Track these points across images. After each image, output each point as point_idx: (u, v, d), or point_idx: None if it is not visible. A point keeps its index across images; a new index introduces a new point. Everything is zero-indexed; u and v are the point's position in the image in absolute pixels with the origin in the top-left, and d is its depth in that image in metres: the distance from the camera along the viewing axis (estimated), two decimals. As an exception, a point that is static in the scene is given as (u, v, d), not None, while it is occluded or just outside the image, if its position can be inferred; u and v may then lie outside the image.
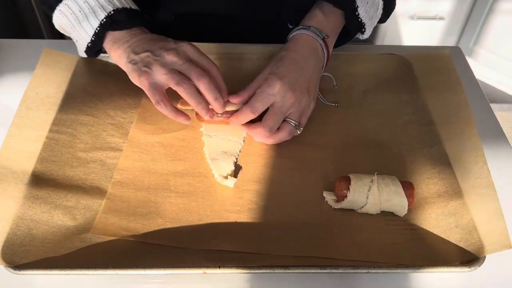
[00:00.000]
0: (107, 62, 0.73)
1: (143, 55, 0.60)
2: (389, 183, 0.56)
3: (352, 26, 0.69)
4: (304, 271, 0.51)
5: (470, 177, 0.59)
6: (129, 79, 0.62)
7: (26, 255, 0.52)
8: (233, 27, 0.78)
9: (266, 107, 0.60)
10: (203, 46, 0.76)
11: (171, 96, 0.60)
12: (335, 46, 0.71)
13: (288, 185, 0.60)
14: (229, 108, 0.62)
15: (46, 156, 0.61)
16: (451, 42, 1.89)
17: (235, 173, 0.61)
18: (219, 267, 0.51)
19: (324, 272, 0.52)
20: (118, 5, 0.63)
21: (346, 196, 0.56)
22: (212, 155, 0.62)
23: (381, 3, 0.70)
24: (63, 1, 0.64)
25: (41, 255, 0.52)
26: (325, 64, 0.67)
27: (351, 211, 0.57)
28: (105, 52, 0.67)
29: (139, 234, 0.54)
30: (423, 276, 0.54)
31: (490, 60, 1.87)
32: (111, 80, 0.71)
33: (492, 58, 1.86)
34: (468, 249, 0.53)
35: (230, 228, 0.55)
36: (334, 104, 0.69)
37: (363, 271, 0.52)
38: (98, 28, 0.63)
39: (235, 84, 0.64)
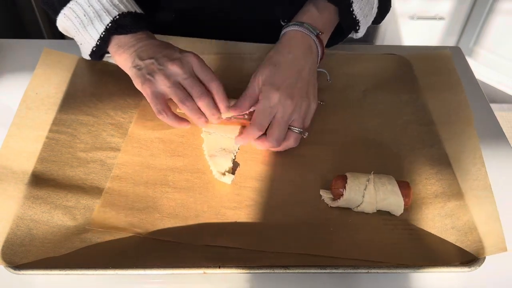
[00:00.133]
0: (107, 62, 0.73)
1: (148, 61, 0.60)
2: (385, 182, 0.56)
3: (346, 24, 0.68)
4: (304, 271, 0.51)
5: (468, 179, 0.59)
6: (129, 79, 0.62)
7: (26, 255, 0.52)
8: (233, 27, 0.78)
9: (270, 120, 0.60)
10: (204, 42, 0.76)
11: (170, 99, 0.60)
12: (329, 45, 0.70)
13: (286, 183, 0.60)
14: (228, 115, 0.62)
15: (46, 156, 0.61)
16: (451, 42, 1.89)
17: (233, 170, 0.61)
18: (219, 267, 0.51)
19: (324, 272, 0.52)
20: (123, 9, 0.63)
21: (342, 195, 0.56)
22: (210, 152, 0.62)
23: (376, 2, 0.69)
24: (67, 5, 0.63)
25: (41, 255, 0.52)
26: (319, 60, 0.67)
27: (347, 209, 0.57)
28: (108, 52, 0.67)
29: (136, 228, 0.55)
30: (423, 276, 0.54)
31: (490, 60, 1.87)
32: (111, 80, 0.71)
33: (492, 58, 1.86)
34: (465, 251, 0.53)
35: (227, 225, 0.56)
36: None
37: (363, 271, 0.52)
38: (103, 33, 0.62)
39: (235, 83, 0.64)
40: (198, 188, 0.59)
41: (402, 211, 0.56)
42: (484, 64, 1.88)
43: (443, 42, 1.88)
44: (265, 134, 0.61)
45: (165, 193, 0.58)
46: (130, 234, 0.54)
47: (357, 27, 0.68)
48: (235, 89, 0.63)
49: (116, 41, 0.64)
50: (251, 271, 0.51)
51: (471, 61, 0.86)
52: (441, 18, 1.80)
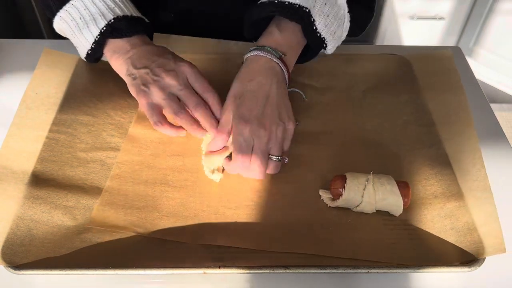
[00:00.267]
0: (107, 61, 0.73)
1: (142, 71, 0.60)
2: (384, 182, 0.56)
3: (312, 42, 0.64)
4: (304, 271, 0.51)
5: (468, 180, 0.59)
6: None
7: (26, 255, 0.52)
8: (233, 27, 0.78)
9: (250, 153, 0.57)
10: (204, 42, 0.76)
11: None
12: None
13: (285, 183, 0.60)
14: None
15: (46, 156, 0.61)
16: (451, 42, 1.89)
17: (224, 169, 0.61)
18: (219, 267, 0.51)
19: (324, 272, 0.52)
20: (119, 12, 0.62)
21: (341, 195, 0.56)
22: (207, 150, 0.62)
23: (347, 16, 0.65)
24: (64, 7, 0.63)
25: (41, 255, 0.52)
26: (287, 81, 0.63)
27: (346, 209, 0.57)
28: (102, 56, 0.67)
29: (135, 227, 0.55)
30: (423, 276, 0.54)
31: (490, 60, 1.87)
32: (111, 80, 0.71)
33: (492, 58, 1.86)
34: (464, 251, 0.53)
35: (226, 224, 0.56)
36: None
37: (363, 271, 0.52)
38: (98, 36, 0.62)
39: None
40: (197, 188, 0.59)
41: (401, 211, 0.56)
42: (484, 64, 1.88)
43: (443, 42, 1.88)
44: None
45: (164, 192, 0.59)
46: (130, 234, 0.54)
47: (324, 45, 0.65)
48: None
49: (112, 45, 0.63)
50: (251, 271, 0.51)
51: (471, 61, 0.86)
52: (441, 18, 1.80)
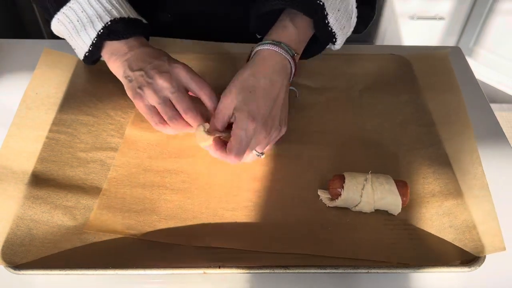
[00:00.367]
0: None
1: (137, 73, 0.59)
2: (383, 182, 0.56)
3: (322, 36, 0.64)
4: (304, 271, 0.51)
5: (465, 178, 0.60)
6: None
7: (26, 255, 0.52)
8: (232, 28, 0.78)
9: (246, 148, 0.56)
10: (202, 44, 0.76)
11: None
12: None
13: (284, 184, 0.60)
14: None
15: (46, 156, 0.61)
16: (451, 42, 1.89)
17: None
18: (219, 267, 0.51)
19: (324, 272, 0.52)
20: (116, 15, 0.62)
21: (340, 195, 0.56)
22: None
23: (354, 11, 0.65)
24: (61, 10, 0.63)
25: (41, 255, 0.52)
26: (291, 79, 0.63)
27: (345, 209, 0.57)
28: (100, 57, 0.67)
29: (133, 231, 0.54)
30: (423, 276, 0.54)
31: (490, 60, 1.87)
32: (111, 80, 0.71)
33: (492, 58, 1.86)
34: (462, 249, 0.53)
35: (225, 226, 0.56)
36: (296, 95, 0.64)
37: (363, 271, 0.52)
38: (95, 39, 0.62)
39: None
40: (195, 190, 0.59)
41: (400, 210, 0.56)
42: (484, 64, 1.88)
43: (443, 42, 1.88)
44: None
45: (162, 195, 0.58)
46: (127, 236, 0.54)
47: (334, 39, 0.65)
48: None
49: (109, 47, 0.63)
50: (251, 271, 0.51)
51: (471, 61, 0.86)
52: (441, 18, 1.80)
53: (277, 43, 0.60)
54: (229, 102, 0.57)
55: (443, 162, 0.62)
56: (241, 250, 0.53)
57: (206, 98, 0.59)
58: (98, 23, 0.61)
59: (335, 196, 0.57)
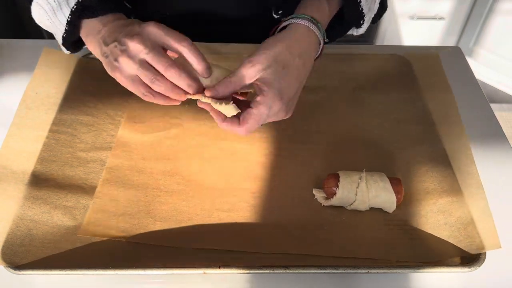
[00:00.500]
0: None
1: (111, 45, 0.54)
2: (377, 180, 0.57)
3: (351, 17, 0.62)
4: (304, 271, 0.51)
5: (459, 176, 0.60)
6: None
7: (26, 255, 0.52)
8: (230, 28, 0.78)
9: (263, 122, 0.54)
10: (202, 45, 0.76)
11: None
12: (330, 40, 0.65)
13: (279, 183, 0.60)
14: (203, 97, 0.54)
15: (46, 156, 0.61)
16: (451, 42, 1.89)
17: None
18: (219, 267, 0.51)
19: (324, 272, 0.52)
20: None
21: (335, 193, 0.56)
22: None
23: None
24: None
25: (41, 255, 0.52)
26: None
27: (340, 208, 0.58)
28: (82, 43, 0.63)
29: (128, 234, 0.54)
30: (423, 276, 0.54)
31: (490, 60, 1.87)
32: (111, 80, 0.71)
33: (492, 58, 1.86)
34: (457, 246, 0.54)
35: (221, 227, 0.56)
36: None
37: (363, 271, 0.52)
38: (70, 16, 0.57)
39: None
40: (190, 191, 0.59)
41: (394, 207, 0.57)
42: (484, 64, 1.88)
43: (443, 42, 1.88)
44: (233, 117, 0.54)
45: (156, 197, 0.58)
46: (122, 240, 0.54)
47: (362, 21, 0.63)
48: None
49: (85, 27, 0.59)
50: (251, 271, 0.51)
51: (471, 61, 0.86)
52: (441, 18, 1.80)
53: (315, 22, 0.56)
54: (253, 71, 0.52)
55: (438, 160, 0.62)
56: (239, 250, 0.53)
57: (188, 53, 0.52)
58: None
59: (330, 195, 0.57)
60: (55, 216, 0.55)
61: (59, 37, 0.61)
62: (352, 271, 0.52)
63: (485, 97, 0.75)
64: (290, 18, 0.57)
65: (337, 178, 0.57)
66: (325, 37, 0.58)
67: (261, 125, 0.54)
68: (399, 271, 0.53)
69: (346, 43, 0.74)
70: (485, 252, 0.53)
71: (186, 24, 0.78)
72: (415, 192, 0.59)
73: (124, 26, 0.55)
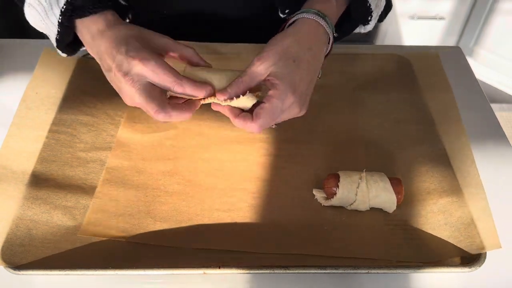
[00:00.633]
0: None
1: (110, 74, 0.54)
2: (377, 180, 0.56)
3: (358, 13, 0.61)
4: (304, 271, 0.51)
5: (459, 176, 0.60)
6: None
7: (26, 256, 0.52)
8: (230, 28, 0.78)
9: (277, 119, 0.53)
10: (202, 45, 0.76)
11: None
12: (339, 37, 0.65)
13: (279, 183, 0.60)
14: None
15: (46, 156, 0.61)
16: (451, 42, 1.89)
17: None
18: (219, 267, 0.51)
19: (324, 272, 0.52)
20: None
21: (335, 194, 0.56)
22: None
23: None
24: None
25: (41, 255, 0.52)
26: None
27: (340, 208, 0.58)
28: (81, 44, 0.60)
29: (128, 235, 0.54)
30: (423, 276, 0.54)
31: (490, 60, 1.87)
32: (111, 80, 0.71)
33: (492, 58, 1.86)
34: (457, 246, 0.54)
35: (221, 227, 0.56)
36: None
37: (363, 271, 0.52)
38: (60, 17, 0.54)
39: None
40: (190, 191, 0.59)
41: (394, 207, 0.57)
42: (484, 64, 1.88)
43: (443, 42, 1.88)
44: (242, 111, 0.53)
45: (156, 197, 0.58)
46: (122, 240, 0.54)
47: (369, 18, 0.62)
48: None
49: (79, 31, 0.56)
50: (251, 271, 0.51)
51: (471, 61, 0.86)
52: (441, 18, 1.80)
53: (323, 16, 0.56)
54: (264, 67, 0.51)
55: (438, 160, 0.62)
56: (239, 250, 0.53)
57: (186, 54, 0.53)
58: None
59: (330, 195, 0.57)
60: (55, 216, 0.55)
61: (52, 39, 0.59)
62: (352, 271, 0.52)
63: (485, 97, 0.75)
64: (297, 14, 0.56)
65: (337, 178, 0.57)
66: (334, 32, 0.57)
67: (275, 125, 0.54)
68: (399, 271, 0.52)
69: (346, 43, 0.74)
70: (485, 252, 0.53)
71: (186, 24, 0.79)
72: (415, 192, 0.59)
73: (112, 47, 0.52)
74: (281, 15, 0.65)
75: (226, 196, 0.59)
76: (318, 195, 0.58)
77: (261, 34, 0.70)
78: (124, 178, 0.60)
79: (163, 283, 0.53)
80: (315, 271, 0.51)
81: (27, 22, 0.60)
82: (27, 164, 0.60)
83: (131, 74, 0.51)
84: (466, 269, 0.52)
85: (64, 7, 0.54)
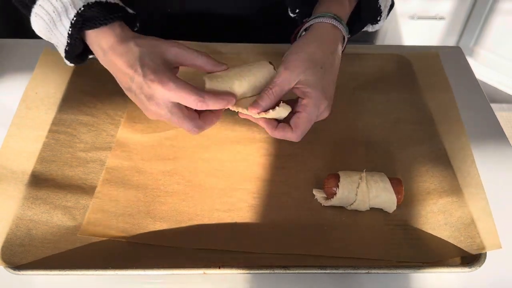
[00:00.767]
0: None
1: (131, 94, 0.54)
2: (377, 180, 0.56)
3: (368, 12, 0.62)
4: (304, 271, 0.51)
5: (459, 176, 0.60)
6: None
7: (25, 256, 0.52)
8: (229, 27, 0.78)
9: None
10: (206, 45, 0.76)
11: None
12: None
13: (279, 184, 0.60)
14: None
15: (46, 156, 0.61)
16: (451, 42, 1.89)
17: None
18: (219, 267, 0.51)
19: (324, 272, 0.52)
20: None
21: (335, 194, 0.56)
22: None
23: None
24: (37, 2, 0.55)
25: (41, 255, 0.52)
26: None
27: (340, 208, 0.58)
28: (91, 53, 0.60)
29: (128, 235, 0.54)
30: (423, 276, 0.54)
31: (490, 60, 1.87)
32: (111, 80, 0.71)
33: (492, 58, 1.86)
34: (457, 246, 0.54)
35: (220, 227, 0.56)
36: None
37: (363, 271, 0.52)
38: (70, 29, 0.54)
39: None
40: (189, 191, 0.59)
41: (394, 208, 0.57)
42: (484, 64, 1.88)
43: (443, 42, 1.88)
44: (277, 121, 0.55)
45: (156, 197, 0.58)
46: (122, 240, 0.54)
47: (379, 17, 0.63)
48: None
49: (90, 44, 0.56)
50: (251, 271, 0.51)
51: (471, 61, 0.86)
52: (441, 18, 1.80)
53: (339, 19, 0.57)
54: (293, 76, 0.53)
55: (438, 160, 0.62)
56: (239, 250, 0.53)
57: (201, 62, 0.53)
58: (71, 10, 0.54)
59: (330, 195, 0.57)
60: (55, 216, 0.55)
61: (61, 49, 0.59)
62: (352, 271, 0.52)
63: (485, 97, 0.75)
64: (314, 18, 0.57)
65: (337, 178, 0.57)
66: (348, 33, 0.59)
67: None
68: (399, 271, 0.52)
69: (347, 42, 0.74)
70: (486, 252, 0.53)
71: (186, 24, 0.79)
72: (415, 192, 0.59)
73: (125, 66, 0.52)
74: (291, 14, 0.65)
75: (226, 196, 0.59)
76: (318, 195, 0.58)
77: (264, 33, 0.70)
78: (124, 178, 0.60)
79: (163, 283, 0.53)
80: (315, 271, 0.51)
81: (27, 22, 0.60)
82: (27, 164, 0.60)
83: (154, 98, 0.51)
84: (466, 269, 0.52)
85: (75, 18, 0.53)
